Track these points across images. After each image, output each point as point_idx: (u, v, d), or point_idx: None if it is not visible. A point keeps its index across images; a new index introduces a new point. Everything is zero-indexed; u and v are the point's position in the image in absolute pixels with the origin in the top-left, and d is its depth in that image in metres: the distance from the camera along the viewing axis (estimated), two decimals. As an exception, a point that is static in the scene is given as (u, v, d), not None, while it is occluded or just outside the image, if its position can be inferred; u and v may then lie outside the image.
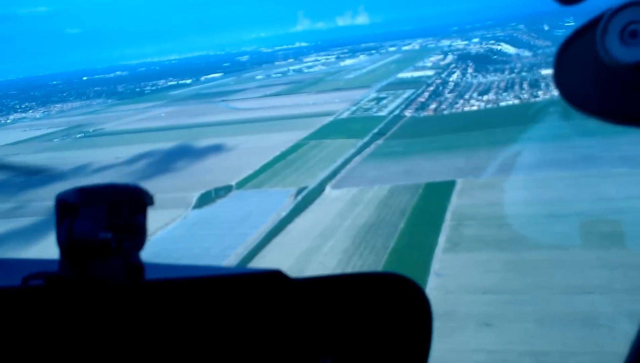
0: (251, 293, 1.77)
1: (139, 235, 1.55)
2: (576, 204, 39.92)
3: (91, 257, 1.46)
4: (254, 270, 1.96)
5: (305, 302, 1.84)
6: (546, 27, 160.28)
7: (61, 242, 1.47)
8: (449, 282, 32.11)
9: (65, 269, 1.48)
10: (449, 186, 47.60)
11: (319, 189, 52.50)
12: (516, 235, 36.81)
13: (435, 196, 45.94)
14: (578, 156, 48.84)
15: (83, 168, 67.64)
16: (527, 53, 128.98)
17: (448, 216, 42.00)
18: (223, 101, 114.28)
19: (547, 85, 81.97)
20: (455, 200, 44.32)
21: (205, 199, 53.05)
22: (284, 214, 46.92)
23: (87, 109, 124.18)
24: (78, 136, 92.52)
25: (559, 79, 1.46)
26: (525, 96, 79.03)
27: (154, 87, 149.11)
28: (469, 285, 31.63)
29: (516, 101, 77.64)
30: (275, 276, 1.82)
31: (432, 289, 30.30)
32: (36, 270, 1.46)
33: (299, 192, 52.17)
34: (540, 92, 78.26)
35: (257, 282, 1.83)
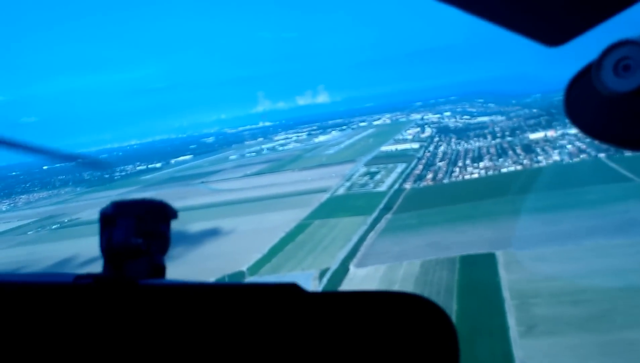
0: (266, 304, 1.81)
1: (164, 240, 1.87)
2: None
3: (126, 259, 1.77)
4: (270, 282, 1.89)
5: (321, 317, 1.80)
6: (513, 102, 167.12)
7: (103, 247, 1.79)
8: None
9: (107, 270, 1.79)
10: (488, 259, 43.64)
11: (343, 269, 47.87)
12: (598, 311, 32.78)
13: (479, 271, 41.74)
14: (623, 221, 45.66)
15: (68, 261, 61.21)
16: (500, 118, 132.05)
17: (506, 294, 37.71)
18: (202, 182, 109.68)
19: (543, 149, 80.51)
20: (505, 275, 40.17)
21: (218, 290, 47.32)
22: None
23: (55, 199, 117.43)
24: (53, 227, 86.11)
25: (569, 110, 1.58)
26: (526, 161, 76.98)
27: (123, 173, 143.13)
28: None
29: (518, 167, 75.44)
30: (291, 289, 1.83)
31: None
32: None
33: (322, 274, 47.38)
34: (540, 158, 76.49)
35: (273, 294, 1.85)
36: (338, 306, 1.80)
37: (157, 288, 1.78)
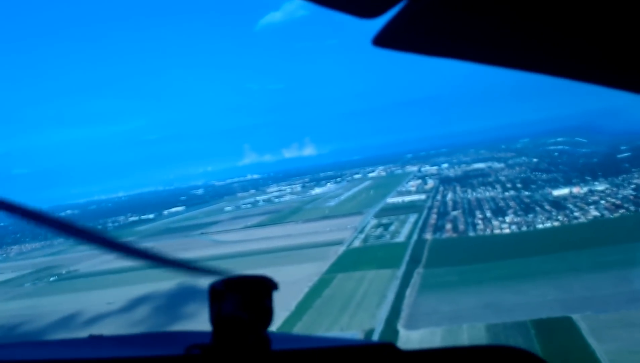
0: None
1: (267, 314, 1.97)
2: None
3: (233, 331, 1.88)
4: (366, 341, 1.98)
5: None
6: (503, 147, 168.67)
7: (212, 319, 1.92)
8: None
9: (216, 341, 1.89)
10: (565, 323, 39.13)
11: (391, 331, 42.94)
12: None
13: (561, 339, 37.04)
14: None
15: (73, 317, 55.52)
16: (498, 165, 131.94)
17: None
18: (202, 234, 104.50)
19: (576, 206, 76.92)
20: (596, 345, 35.45)
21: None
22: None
23: (49, 250, 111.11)
24: (51, 279, 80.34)
25: None
26: (562, 218, 73.26)
27: (115, 224, 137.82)
28: None
29: (555, 224, 71.68)
30: (387, 348, 1.89)
31: None
32: (196, 341, 1.92)
33: (367, 336, 42.32)
34: (577, 213, 72.97)
35: (371, 354, 1.92)
36: None
37: (266, 357, 1.90)
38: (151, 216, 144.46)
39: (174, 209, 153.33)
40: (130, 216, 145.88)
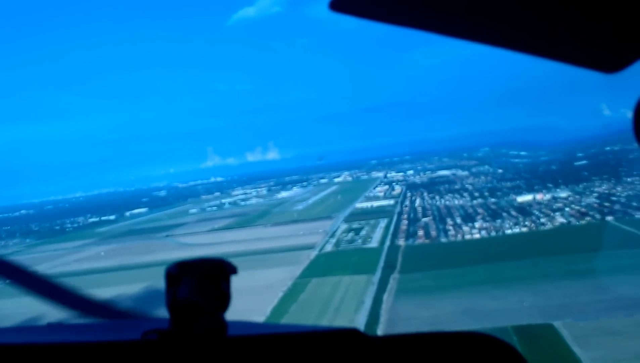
0: (328, 350, 1.85)
1: (224, 298, 1.98)
2: None
3: (189, 316, 1.90)
4: (330, 327, 1.98)
5: (383, 361, 1.80)
6: (465, 155, 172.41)
7: (168, 304, 1.93)
8: None
9: (172, 325, 1.93)
10: (547, 330, 39.22)
11: (371, 337, 42.44)
12: None
13: (545, 346, 37.00)
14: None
15: (34, 321, 53.23)
16: (462, 172, 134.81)
17: None
18: (168, 236, 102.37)
19: (541, 212, 78.30)
20: (581, 352, 35.53)
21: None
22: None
23: (4, 251, 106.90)
24: (7, 280, 76.27)
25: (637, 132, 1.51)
26: (529, 224, 74.33)
27: (75, 225, 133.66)
28: None
29: (523, 229, 72.62)
30: (351, 334, 1.87)
31: None
32: (154, 327, 1.95)
33: (347, 342, 41.79)
34: (543, 220, 74.15)
35: (334, 340, 1.89)
36: (402, 350, 1.79)
37: (222, 342, 1.91)
38: (112, 217, 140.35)
39: (136, 211, 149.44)
40: (90, 217, 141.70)
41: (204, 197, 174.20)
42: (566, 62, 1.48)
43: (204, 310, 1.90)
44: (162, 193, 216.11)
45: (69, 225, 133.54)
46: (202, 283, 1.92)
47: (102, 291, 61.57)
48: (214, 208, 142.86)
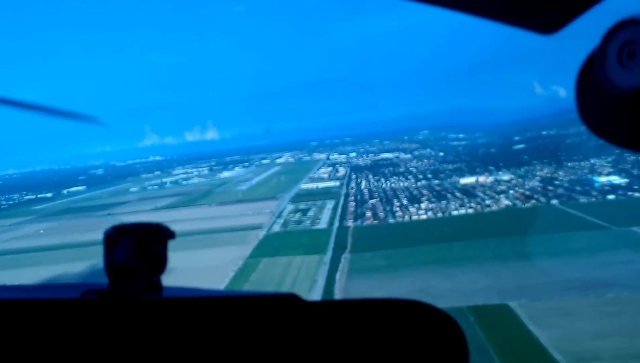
0: (267, 314, 1.86)
1: (160, 261, 2.03)
2: None
3: (126, 277, 1.94)
4: (269, 292, 1.99)
5: (323, 326, 1.83)
6: (405, 138, 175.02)
7: (106, 266, 1.97)
8: None
9: (110, 287, 1.96)
10: (503, 310, 39.98)
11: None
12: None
13: (502, 326, 37.69)
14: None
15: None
16: (404, 155, 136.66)
17: (556, 355, 33.64)
18: (109, 214, 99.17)
19: (485, 194, 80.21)
20: (539, 332, 36.24)
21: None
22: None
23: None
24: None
25: (580, 109, 1.36)
26: (475, 205, 75.86)
27: (10, 202, 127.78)
28: None
29: (469, 211, 74.09)
30: (290, 299, 1.89)
31: None
32: (92, 289, 1.98)
33: (303, 321, 41.57)
34: (488, 202, 75.88)
35: (272, 304, 1.90)
36: (339, 315, 1.82)
37: (158, 302, 1.94)
38: (49, 195, 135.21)
39: (73, 189, 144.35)
40: (26, 195, 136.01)
41: (144, 176, 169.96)
42: (500, 21, 1.40)
43: (141, 272, 1.93)
44: (100, 171, 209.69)
45: (3, 202, 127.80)
46: (138, 245, 1.95)
47: (44, 270, 59.51)
48: (156, 186, 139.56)
